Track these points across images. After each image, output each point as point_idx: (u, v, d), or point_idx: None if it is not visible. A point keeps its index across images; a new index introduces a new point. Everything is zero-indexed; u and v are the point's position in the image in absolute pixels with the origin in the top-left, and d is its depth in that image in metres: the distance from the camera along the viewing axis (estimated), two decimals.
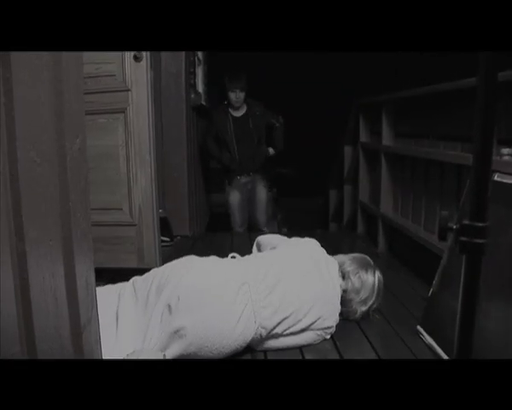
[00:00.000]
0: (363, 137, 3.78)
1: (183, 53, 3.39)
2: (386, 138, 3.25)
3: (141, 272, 1.91)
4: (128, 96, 2.37)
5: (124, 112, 2.38)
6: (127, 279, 1.88)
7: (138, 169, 2.40)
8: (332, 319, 1.87)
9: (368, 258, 2.13)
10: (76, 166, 0.90)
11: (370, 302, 2.01)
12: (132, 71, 2.36)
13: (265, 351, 1.78)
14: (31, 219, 0.74)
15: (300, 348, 1.81)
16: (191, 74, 3.64)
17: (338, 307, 1.90)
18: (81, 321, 0.92)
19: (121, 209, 2.44)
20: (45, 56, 0.79)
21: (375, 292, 2.02)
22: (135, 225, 2.45)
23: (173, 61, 3.39)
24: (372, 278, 2.01)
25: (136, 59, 2.34)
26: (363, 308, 2.00)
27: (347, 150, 4.14)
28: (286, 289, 1.75)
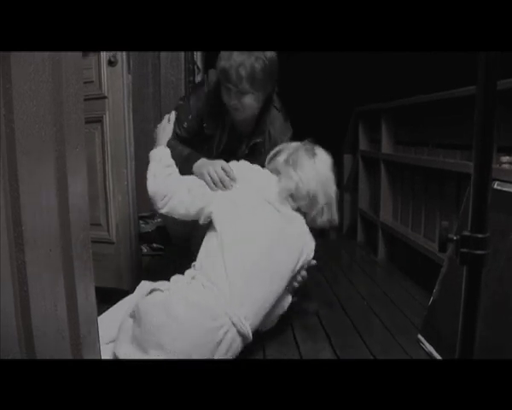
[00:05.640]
0: (363, 145, 3.78)
1: (182, 61, 3.40)
2: (386, 146, 3.26)
3: (119, 292, 1.81)
4: (105, 104, 2.23)
5: (100, 121, 2.24)
6: (104, 299, 1.71)
7: (115, 183, 2.25)
8: (309, 251, 1.82)
9: (304, 146, 1.91)
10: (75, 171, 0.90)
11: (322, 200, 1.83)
12: (108, 76, 2.22)
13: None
14: (30, 230, 0.74)
15: (300, 356, 1.80)
16: (190, 83, 3.65)
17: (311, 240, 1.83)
18: (81, 332, 0.92)
19: (100, 225, 2.28)
20: (45, 67, 0.79)
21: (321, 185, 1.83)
22: (113, 243, 2.30)
23: (172, 70, 3.39)
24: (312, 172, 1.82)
25: (111, 63, 2.19)
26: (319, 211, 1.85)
27: (347, 158, 4.14)
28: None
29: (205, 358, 1.49)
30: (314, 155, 1.85)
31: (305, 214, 1.84)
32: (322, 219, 1.85)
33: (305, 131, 2.03)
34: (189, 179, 1.84)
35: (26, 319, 0.74)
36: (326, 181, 1.83)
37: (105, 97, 2.24)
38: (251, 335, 1.61)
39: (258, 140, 2.10)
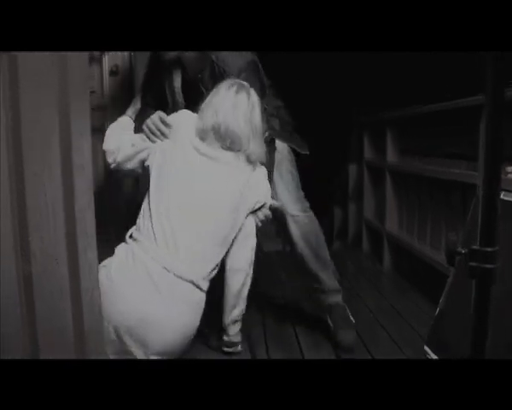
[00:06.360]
0: (368, 154, 3.78)
1: None
2: (391, 156, 3.25)
3: None
4: (106, 114, 2.25)
5: (102, 130, 2.16)
6: None
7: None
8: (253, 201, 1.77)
9: (224, 83, 1.80)
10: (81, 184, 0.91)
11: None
12: (110, 86, 2.24)
13: None
14: (37, 242, 0.74)
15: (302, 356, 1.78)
16: None
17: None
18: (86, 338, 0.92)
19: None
20: (53, 78, 0.79)
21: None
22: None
23: None
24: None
25: (113, 73, 2.21)
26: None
27: (352, 167, 4.12)
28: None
29: (163, 314, 1.51)
30: (232, 90, 1.75)
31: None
32: (250, 153, 1.75)
33: (309, 140, 2.02)
34: (135, 135, 1.85)
35: (32, 327, 0.74)
36: (243, 114, 1.74)
37: (106, 108, 2.26)
38: (196, 278, 1.59)
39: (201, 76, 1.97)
